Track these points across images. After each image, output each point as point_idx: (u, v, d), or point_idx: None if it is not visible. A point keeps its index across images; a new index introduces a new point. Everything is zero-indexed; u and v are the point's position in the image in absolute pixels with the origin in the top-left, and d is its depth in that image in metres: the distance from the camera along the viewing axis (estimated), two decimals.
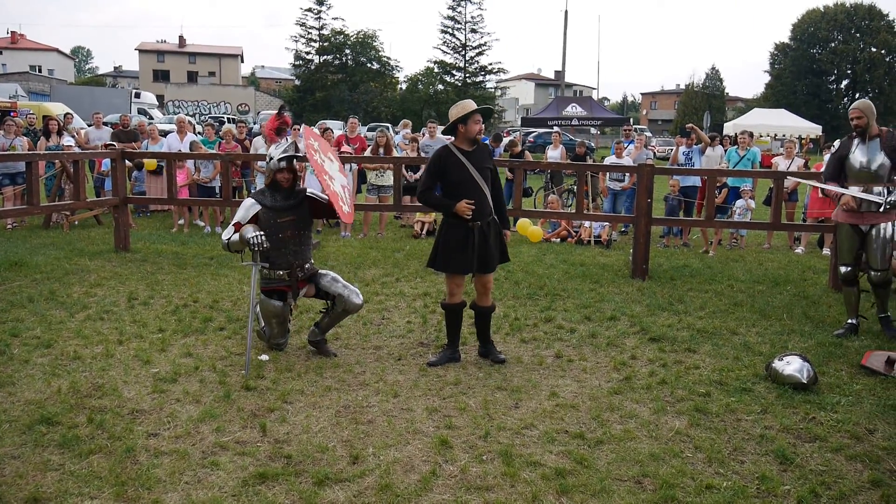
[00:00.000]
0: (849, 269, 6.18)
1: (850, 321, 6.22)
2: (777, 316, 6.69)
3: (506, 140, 15.83)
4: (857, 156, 6.03)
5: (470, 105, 5.23)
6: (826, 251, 10.00)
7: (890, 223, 5.95)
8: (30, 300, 6.63)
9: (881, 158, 5.91)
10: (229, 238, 5.25)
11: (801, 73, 60.40)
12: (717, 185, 10.96)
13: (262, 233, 5.11)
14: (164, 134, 13.73)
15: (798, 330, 6.25)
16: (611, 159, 12.29)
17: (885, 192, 5.90)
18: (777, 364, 4.97)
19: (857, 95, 62.14)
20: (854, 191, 5.99)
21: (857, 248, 6.16)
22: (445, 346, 5.48)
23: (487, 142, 13.45)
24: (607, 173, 11.85)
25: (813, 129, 34.38)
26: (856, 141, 6.09)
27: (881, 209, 5.89)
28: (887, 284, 6.07)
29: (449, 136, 5.46)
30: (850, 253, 6.18)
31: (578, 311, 6.78)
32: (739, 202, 10.79)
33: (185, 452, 3.78)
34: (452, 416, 4.34)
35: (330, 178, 5.28)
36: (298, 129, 13.39)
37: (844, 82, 62.28)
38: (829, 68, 60.75)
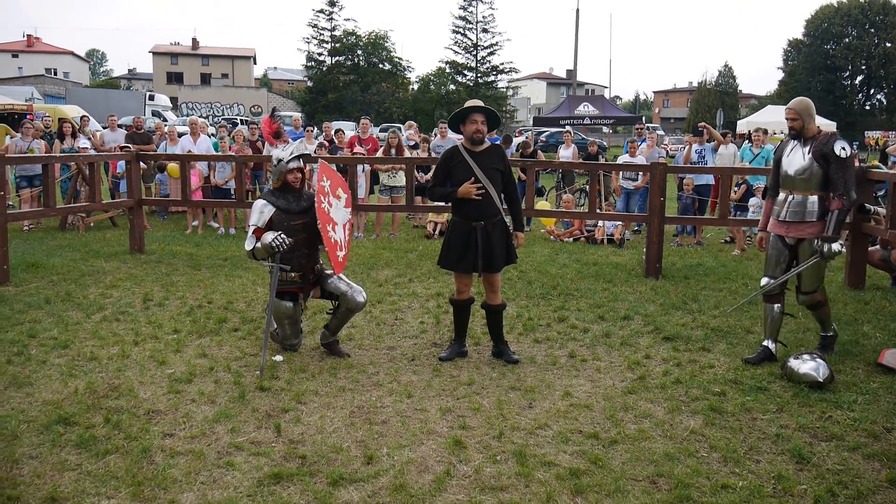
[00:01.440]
0: (770, 281, 5.43)
1: (764, 344, 5.45)
2: (792, 314, 6.63)
3: (518, 140, 15.81)
4: (790, 160, 5.33)
5: (470, 104, 5.22)
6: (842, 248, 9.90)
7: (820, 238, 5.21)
8: (47, 301, 6.70)
9: (811, 164, 5.18)
10: (253, 247, 5.27)
11: (814, 69, 59.94)
12: (739, 181, 10.92)
13: (281, 233, 5.14)
14: (180, 136, 13.82)
15: (814, 328, 6.18)
16: (624, 158, 12.25)
17: (817, 201, 5.20)
18: (793, 362, 4.93)
19: (872, 91, 61.71)
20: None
21: (785, 261, 5.40)
22: (453, 340, 5.52)
23: (499, 142, 13.44)
24: (620, 172, 11.81)
25: (827, 126, 34.12)
26: (791, 143, 5.39)
27: (819, 251, 5.18)
28: (818, 306, 5.43)
29: (460, 136, 5.45)
30: (775, 265, 5.42)
31: (592, 310, 6.76)
32: (753, 200, 10.72)
33: (200, 453, 3.80)
34: (466, 416, 4.34)
35: (333, 227, 5.35)
36: (312, 131, 13.48)
37: (859, 78, 61.81)
38: (844, 64, 60.24)
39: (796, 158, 5.29)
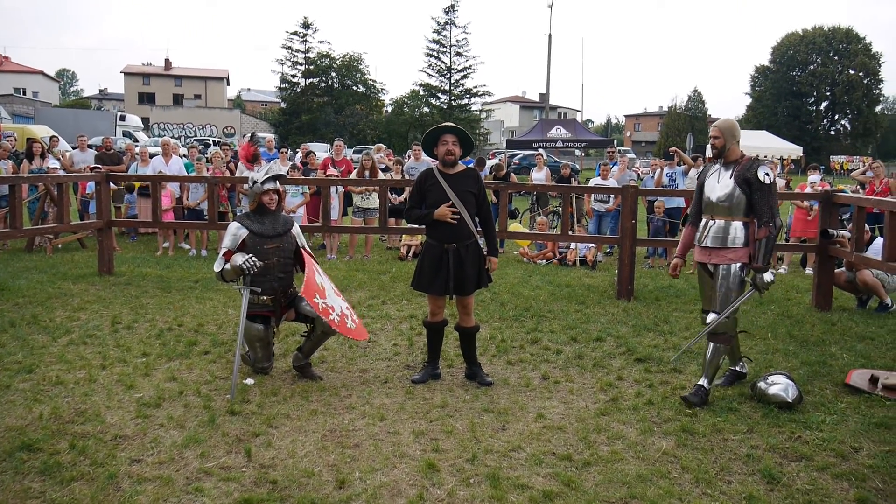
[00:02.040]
0: (716, 317, 5.08)
1: (731, 367, 5.44)
2: (761, 335, 6.72)
3: (491, 162, 15.92)
4: (712, 184, 5.13)
5: (440, 126, 5.23)
6: (809, 270, 10.09)
7: (736, 264, 5.01)
8: (12, 324, 6.56)
9: (734, 190, 4.97)
10: (222, 268, 5.23)
11: (781, 95, 61.45)
12: None
13: (251, 255, 5.11)
14: (152, 157, 13.70)
15: (782, 349, 6.29)
16: (596, 181, 12.38)
17: (740, 226, 5.00)
18: (762, 384, 4.99)
19: (837, 117, 63.24)
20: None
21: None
22: (426, 362, 5.50)
23: (472, 165, 13.51)
24: (592, 195, 11.94)
25: (794, 150, 34.95)
26: (715, 166, 5.19)
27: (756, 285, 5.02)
28: (726, 341, 5.08)
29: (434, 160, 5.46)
30: (712, 298, 5.21)
31: (564, 332, 6.78)
32: None
33: (168, 479, 3.73)
34: (439, 439, 4.32)
35: (320, 294, 5.15)
36: (286, 153, 13.45)
37: (824, 104, 63.37)
38: (809, 90, 61.82)
39: (718, 183, 5.10)
